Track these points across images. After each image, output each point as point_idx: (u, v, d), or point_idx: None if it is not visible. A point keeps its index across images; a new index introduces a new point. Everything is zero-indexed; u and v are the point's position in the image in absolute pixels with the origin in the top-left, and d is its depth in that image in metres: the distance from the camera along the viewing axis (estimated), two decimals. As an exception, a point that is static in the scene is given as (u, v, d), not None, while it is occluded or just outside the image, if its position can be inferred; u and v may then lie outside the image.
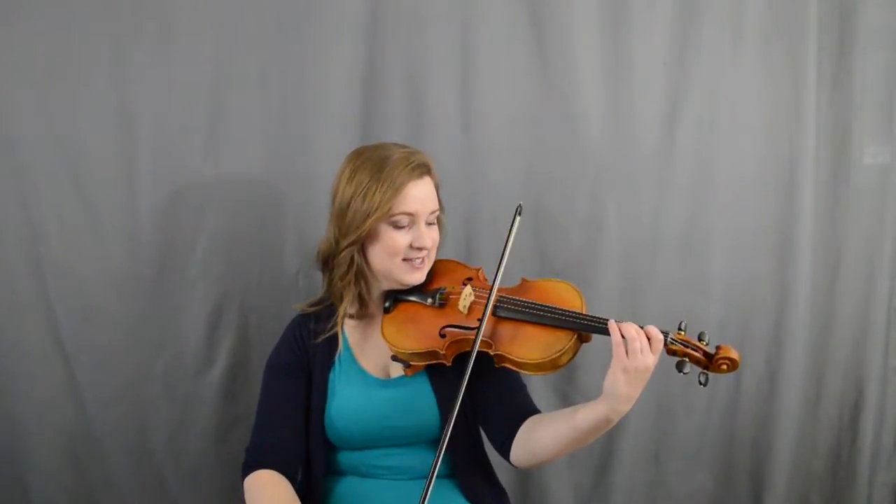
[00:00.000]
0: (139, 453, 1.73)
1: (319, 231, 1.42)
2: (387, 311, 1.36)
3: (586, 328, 1.21)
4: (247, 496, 1.26)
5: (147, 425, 1.72)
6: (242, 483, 1.28)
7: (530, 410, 1.33)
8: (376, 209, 1.26)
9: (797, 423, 2.01)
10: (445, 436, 1.15)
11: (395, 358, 1.32)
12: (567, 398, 1.89)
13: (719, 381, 1.96)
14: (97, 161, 1.63)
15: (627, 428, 1.92)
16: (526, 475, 1.91)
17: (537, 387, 1.83)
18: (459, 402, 1.17)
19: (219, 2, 1.63)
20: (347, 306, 1.36)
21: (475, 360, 1.22)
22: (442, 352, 1.28)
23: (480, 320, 1.23)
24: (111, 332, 1.67)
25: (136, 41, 1.61)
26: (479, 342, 1.22)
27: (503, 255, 1.27)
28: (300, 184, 1.70)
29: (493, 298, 1.25)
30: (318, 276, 1.44)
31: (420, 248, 1.30)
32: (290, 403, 1.34)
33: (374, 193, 1.26)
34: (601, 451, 1.95)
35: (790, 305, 1.96)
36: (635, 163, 1.85)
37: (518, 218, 1.30)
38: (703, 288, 1.92)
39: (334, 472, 1.39)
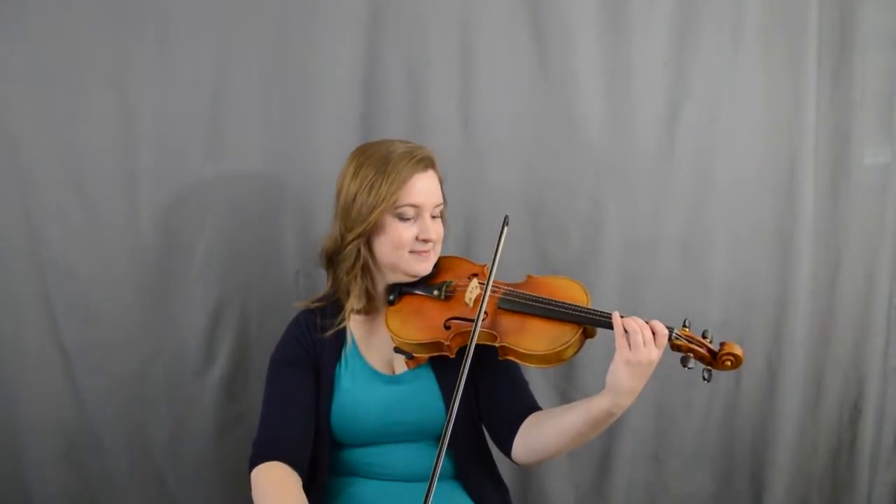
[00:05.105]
0: (139, 453, 1.73)
1: (320, 230, 1.42)
2: (391, 303, 1.37)
3: (591, 322, 1.22)
4: (254, 490, 1.24)
5: (147, 425, 1.72)
6: (249, 476, 1.26)
7: (533, 406, 1.34)
8: (382, 201, 1.27)
9: (797, 422, 2.01)
10: (447, 430, 1.15)
11: (397, 349, 1.33)
12: (566, 397, 1.89)
13: (719, 381, 1.96)
14: (98, 161, 1.63)
15: (627, 428, 1.92)
16: (526, 475, 1.91)
17: (537, 385, 1.83)
18: (460, 394, 1.17)
19: (219, 2, 1.64)
20: (354, 301, 1.36)
21: (480, 354, 1.23)
22: (446, 343, 1.28)
23: (479, 306, 1.23)
24: (111, 332, 1.67)
25: (137, 41, 1.61)
26: (478, 329, 1.22)
27: (492, 266, 1.27)
28: (300, 184, 1.70)
29: (489, 290, 1.26)
30: (319, 276, 1.44)
31: (426, 241, 1.32)
32: (297, 396, 1.33)
33: (379, 186, 1.27)
34: (601, 451, 1.95)
35: (790, 305, 1.96)
36: (635, 163, 1.85)
37: (506, 229, 1.30)
38: (703, 288, 1.93)
39: (337, 472, 1.39)
